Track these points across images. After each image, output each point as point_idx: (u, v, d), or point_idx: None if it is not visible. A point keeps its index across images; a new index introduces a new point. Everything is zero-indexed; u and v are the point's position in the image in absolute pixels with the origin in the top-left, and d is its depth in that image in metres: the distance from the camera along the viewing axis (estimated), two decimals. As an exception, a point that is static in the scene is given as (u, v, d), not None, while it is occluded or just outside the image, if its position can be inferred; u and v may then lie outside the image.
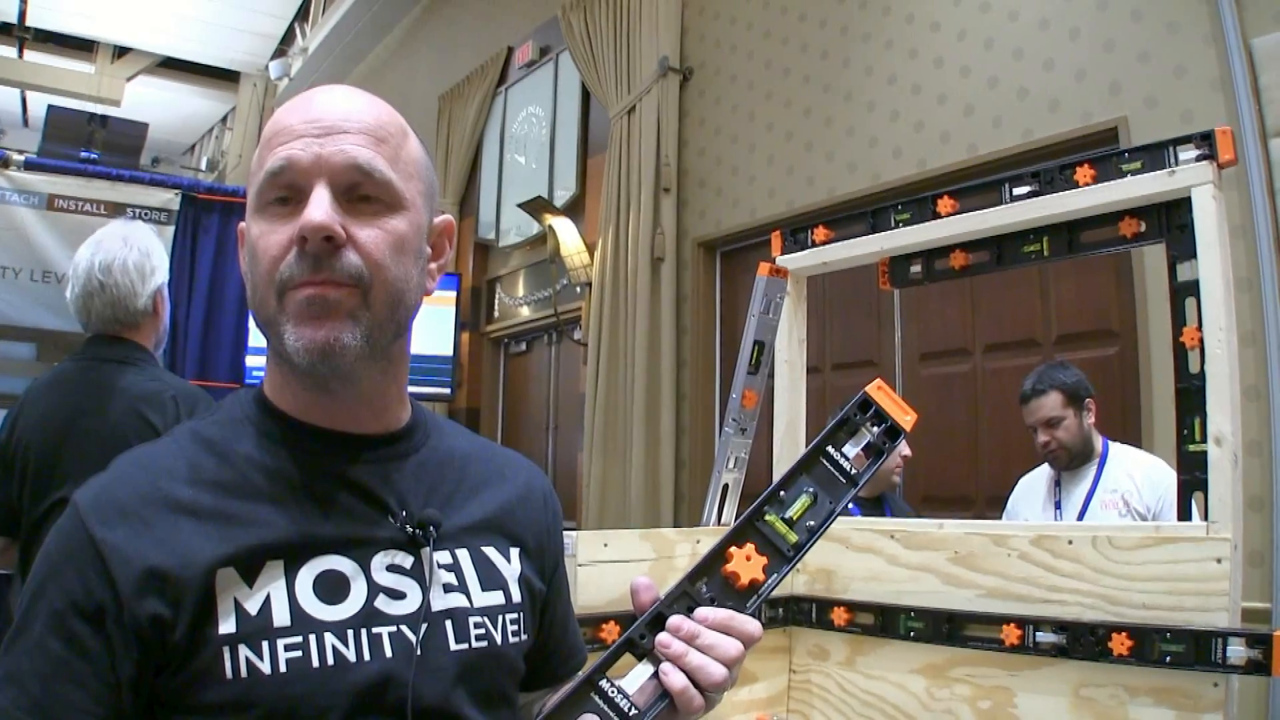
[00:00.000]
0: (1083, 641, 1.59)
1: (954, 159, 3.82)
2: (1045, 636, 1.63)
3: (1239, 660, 1.44)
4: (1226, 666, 1.45)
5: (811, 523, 0.93)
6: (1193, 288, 1.57)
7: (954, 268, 1.95)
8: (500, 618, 0.96)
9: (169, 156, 13.94)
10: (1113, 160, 1.68)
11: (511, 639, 0.97)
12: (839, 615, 1.94)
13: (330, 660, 0.84)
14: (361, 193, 0.88)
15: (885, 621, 1.88)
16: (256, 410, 0.94)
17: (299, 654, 0.83)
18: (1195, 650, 1.47)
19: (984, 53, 3.75)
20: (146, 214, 4.49)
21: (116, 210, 4.39)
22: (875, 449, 0.96)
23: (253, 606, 0.83)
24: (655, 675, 0.86)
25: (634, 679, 0.87)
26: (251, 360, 4.74)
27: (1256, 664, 1.43)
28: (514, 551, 1.01)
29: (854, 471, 0.95)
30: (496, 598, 0.97)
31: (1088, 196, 1.70)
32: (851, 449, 0.96)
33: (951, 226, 1.88)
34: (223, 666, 0.80)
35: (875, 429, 0.96)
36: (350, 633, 0.85)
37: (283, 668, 0.82)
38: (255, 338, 4.53)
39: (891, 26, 4.16)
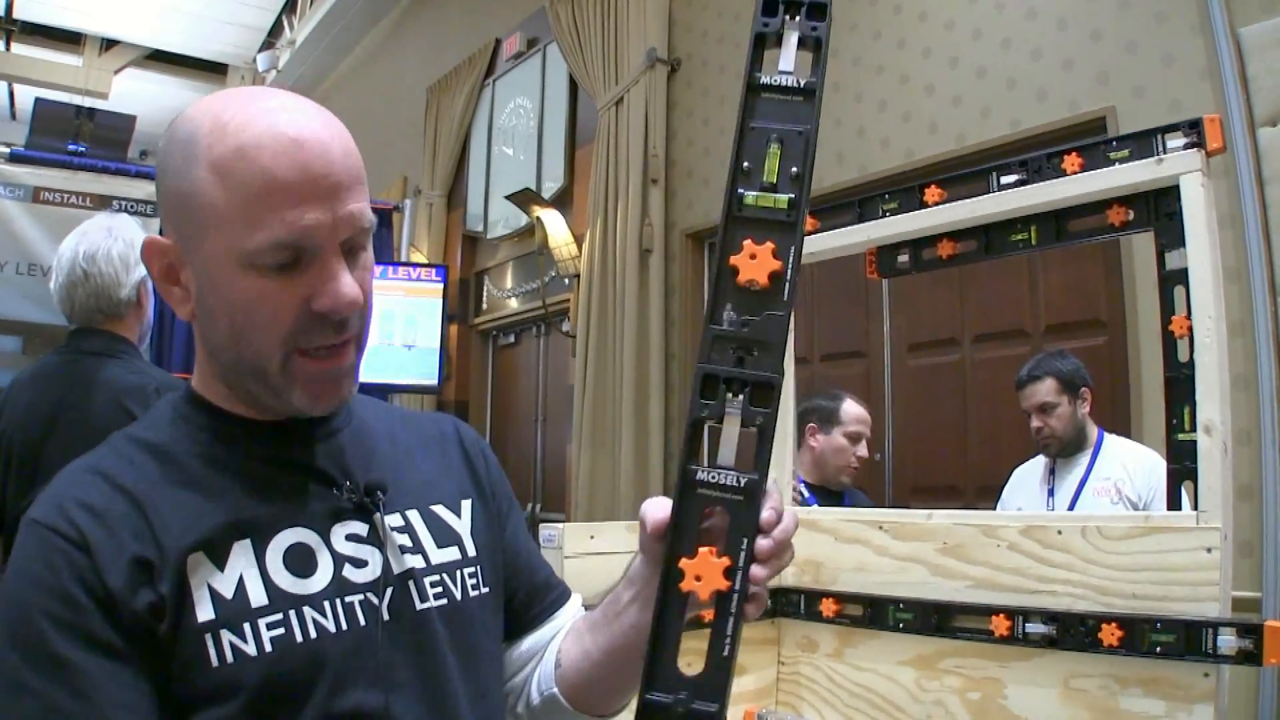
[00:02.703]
0: (1073, 632, 1.58)
1: (942, 149, 3.81)
2: (1035, 627, 1.63)
3: (1230, 650, 1.43)
4: (1217, 656, 1.45)
5: (795, 169, 0.75)
6: (1181, 276, 1.56)
7: (942, 257, 1.94)
8: (458, 573, 0.97)
9: (157, 149, 13.87)
10: (1101, 149, 1.67)
11: (471, 593, 0.97)
12: (827, 607, 1.93)
13: (313, 634, 0.83)
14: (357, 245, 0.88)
15: (874, 613, 1.87)
16: (189, 409, 0.93)
17: (282, 631, 0.82)
18: (1186, 640, 1.47)
19: (972, 43, 3.74)
20: (133, 206, 4.46)
21: (102, 203, 4.36)
22: (810, 42, 0.76)
23: (227, 590, 0.82)
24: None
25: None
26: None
27: (1247, 654, 1.42)
28: (464, 504, 1.02)
29: (803, 82, 0.75)
30: (453, 553, 0.97)
31: (1076, 185, 1.70)
32: (786, 61, 0.76)
33: (939, 215, 1.87)
34: (207, 655, 0.79)
35: (795, 19, 0.76)
36: (326, 604, 0.85)
37: (268, 647, 0.81)
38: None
39: (879, 17, 4.14)
